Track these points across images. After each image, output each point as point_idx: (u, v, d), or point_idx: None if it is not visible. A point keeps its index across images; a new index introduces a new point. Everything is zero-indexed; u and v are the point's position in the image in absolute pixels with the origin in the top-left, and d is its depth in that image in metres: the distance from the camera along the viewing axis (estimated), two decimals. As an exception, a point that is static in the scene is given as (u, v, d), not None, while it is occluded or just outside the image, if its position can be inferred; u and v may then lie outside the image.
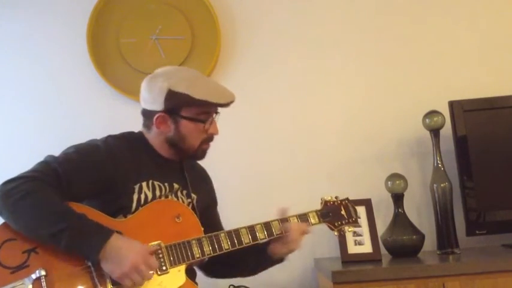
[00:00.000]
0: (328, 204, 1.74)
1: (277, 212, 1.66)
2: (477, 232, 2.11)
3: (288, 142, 2.39)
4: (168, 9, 2.45)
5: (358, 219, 1.79)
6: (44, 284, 1.34)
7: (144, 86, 1.60)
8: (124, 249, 1.37)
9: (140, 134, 1.65)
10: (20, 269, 1.35)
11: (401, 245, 2.05)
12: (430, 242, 2.17)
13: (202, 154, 1.65)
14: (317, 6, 2.46)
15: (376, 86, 2.41)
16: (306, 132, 2.40)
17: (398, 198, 2.13)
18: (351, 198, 2.12)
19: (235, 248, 1.56)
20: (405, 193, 2.14)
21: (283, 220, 1.63)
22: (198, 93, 1.53)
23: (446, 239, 2.09)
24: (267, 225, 1.61)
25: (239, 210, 2.15)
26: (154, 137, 1.62)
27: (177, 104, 1.54)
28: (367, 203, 2.13)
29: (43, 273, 1.35)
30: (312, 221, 1.69)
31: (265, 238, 1.60)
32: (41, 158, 1.48)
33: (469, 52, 2.41)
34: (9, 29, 2.50)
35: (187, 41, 2.43)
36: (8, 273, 1.34)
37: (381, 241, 2.10)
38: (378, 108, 2.39)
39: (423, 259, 1.99)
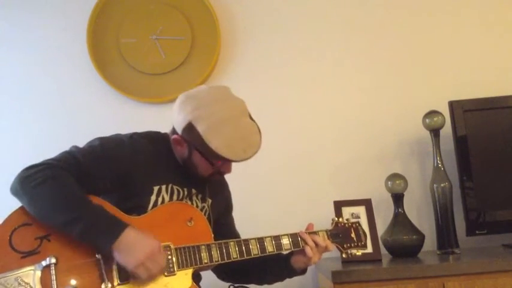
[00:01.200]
0: (339, 225, 1.73)
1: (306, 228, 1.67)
2: (477, 232, 2.11)
3: (288, 142, 2.39)
4: (168, 9, 2.45)
5: (363, 240, 1.77)
6: (53, 271, 1.35)
7: (177, 102, 1.55)
8: (138, 240, 1.38)
9: (166, 136, 1.63)
10: (31, 255, 1.36)
11: (401, 245, 2.05)
12: (430, 242, 2.17)
13: (214, 179, 1.65)
14: (317, 7, 2.46)
15: (376, 86, 2.41)
16: (306, 132, 2.40)
17: (398, 198, 2.13)
18: (350, 198, 2.14)
19: (243, 258, 1.56)
20: (405, 193, 2.14)
21: (293, 235, 1.63)
22: (213, 141, 1.47)
23: (446, 239, 2.09)
24: (276, 239, 1.61)
25: (240, 210, 2.15)
26: (174, 150, 1.61)
27: (191, 140, 1.52)
28: (367, 203, 2.13)
29: (53, 261, 1.35)
30: None
31: (274, 251, 1.60)
32: (41, 158, 1.48)
33: (469, 52, 2.41)
34: (9, 29, 2.50)
35: (187, 41, 2.43)
36: (19, 258, 1.35)
37: (381, 241, 2.10)
38: (378, 108, 2.39)
39: (423, 259, 1.99)
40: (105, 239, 1.36)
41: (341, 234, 1.71)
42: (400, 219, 2.10)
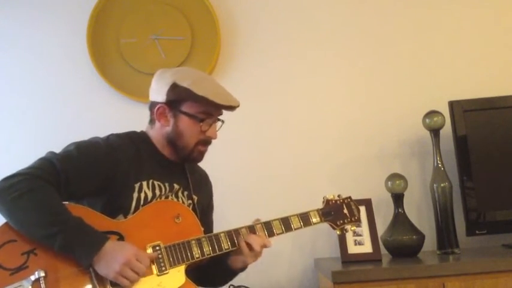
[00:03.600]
0: (330, 203, 1.73)
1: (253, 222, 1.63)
2: (477, 232, 2.11)
3: (288, 142, 2.39)
4: (168, 9, 2.45)
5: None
6: (43, 285, 1.34)
7: (154, 77, 1.63)
8: (114, 251, 1.38)
9: (143, 133, 1.65)
10: (19, 271, 1.35)
11: (401, 245, 2.05)
12: (430, 242, 2.17)
13: (198, 155, 1.63)
14: (317, 7, 2.46)
15: (376, 86, 2.41)
16: (306, 132, 2.40)
17: (398, 198, 2.13)
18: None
19: (235, 248, 1.55)
20: (405, 193, 2.14)
21: (285, 220, 1.63)
22: (200, 90, 1.54)
23: (446, 239, 2.09)
24: (267, 225, 1.61)
25: (239, 209, 2.15)
26: (156, 134, 1.62)
27: (178, 97, 1.56)
28: (367, 203, 2.13)
29: (42, 274, 1.35)
30: (314, 220, 1.68)
31: (266, 236, 1.59)
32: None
33: (469, 52, 2.41)
34: (9, 29, 2.50)
35: (187, 41, 2.43)
36: (7, 275, 1.35)
37: (381, 241, 2.10)
38: (378, 108, 2.39)
39: (423, 259, 1.99)
40: (84, 254, 1.36)
41: (333, 211, 1.71)
42: (400, 219, 2.10)
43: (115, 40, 2.45)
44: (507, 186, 2.14)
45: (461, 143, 2.15)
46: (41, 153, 1.52)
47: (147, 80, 2.39)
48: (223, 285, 1.75)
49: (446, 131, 2.17)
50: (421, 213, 2.31)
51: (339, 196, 1.75)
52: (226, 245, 1.54)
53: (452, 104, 2.17)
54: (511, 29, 2.42)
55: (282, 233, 1.62)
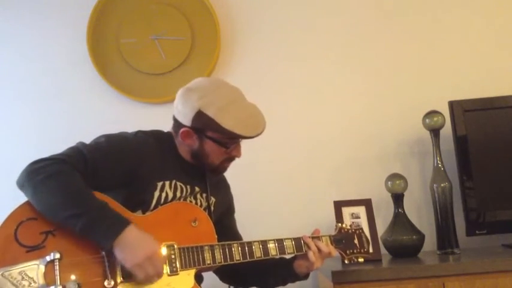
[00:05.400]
0: (343, 231, 1.74)
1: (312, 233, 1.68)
2: (477, 232, 2.11)
3: (288, 142, 2.39)
4: (168, 9, 2.45)
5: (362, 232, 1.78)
6: (57, 267, 1.35)
7: (179, 96, 1.59)
8: (140, 240, 1.38)
9: (169, 134, 1.66)
10: (35, 249, 1.36)
11: (401, 245, 2.05)
12: (430, 242, 2.17)
13: (222, 170, 1.67)
14: (317, 8, 2.46)
15: (376, 86, 2.41)
16: (306, 133, 2.40)
17: (398, 198, 2.13)
18: (350, 198, 2.14)
19: (246, 260, 1.56)
20: (405, 193, 2.14)
21: (297, 239, 1.63)
22: (225, 122, 1.52)
23: (446, 239, 2.09)
24: (279, 242, 1.61)
25: (240, 210, 2.15)
26: (181, 144, 1.63)
27: (203, 126, 1.55)
28: (367, 203, 2.13)
29: (57, 256, 1.36)
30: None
31: (277, 254, 1.61)
32: (40, 158, 1.48)
33: (469, 52, 2.41)
34: (10, 29, 2.50)
35: (187, 42, 2.43)
36: (23, 252, 1.35)
37: (381, 241, 2.10)
38: (378, 108, 2.39)
39: (423, 259, 1.99)
40: (106, 235, 1.36)
41: (344, 240, 1.72)
42: (400, 219, 2.10)
43: (115, 40, 2.45)
44: (507, 186, 2.14)
45: (461, 143, 2.15)
46: (42, 153, 1.51)
47: (147, 80, 2.43)
48: (276, 287, 1.75)
49: (446, 131, 2.17)
50: (421, 213, 2.31)
51: (350, 226, 1.77)
52: (237, 256, 1.55)
53: (452, 104, 2.17)
54: (511, 29, 2.42)
55: (293, 253, 1.63)
